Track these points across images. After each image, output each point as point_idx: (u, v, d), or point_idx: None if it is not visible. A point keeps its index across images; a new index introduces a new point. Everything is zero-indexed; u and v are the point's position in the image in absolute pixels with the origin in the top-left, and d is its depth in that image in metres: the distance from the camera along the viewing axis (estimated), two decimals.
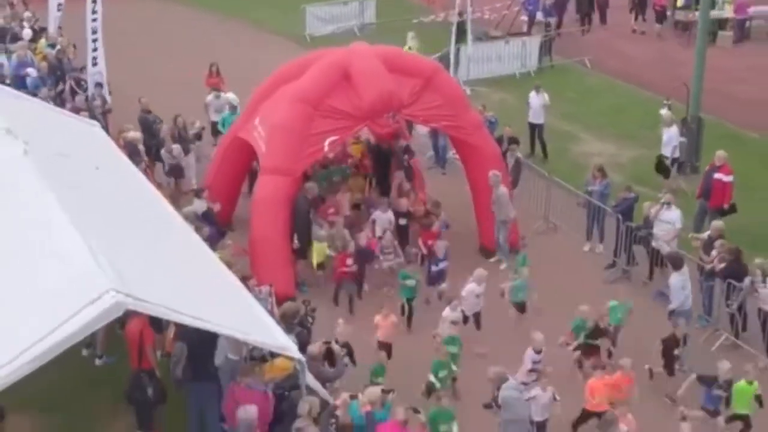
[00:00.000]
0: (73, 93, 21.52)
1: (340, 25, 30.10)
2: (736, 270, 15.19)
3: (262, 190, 16.45)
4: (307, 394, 11.41)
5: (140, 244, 12.26)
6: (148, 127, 19.87)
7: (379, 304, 15.11)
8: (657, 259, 16.80)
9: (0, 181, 12.87)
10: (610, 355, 14.31)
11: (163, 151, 19.42)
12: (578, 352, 14.23)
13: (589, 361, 13.84)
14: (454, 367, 13.64)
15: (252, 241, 16.23)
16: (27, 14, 26.24)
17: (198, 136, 20.55)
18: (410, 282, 15.64)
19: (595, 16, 30.74)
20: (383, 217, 17.23)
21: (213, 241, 15.13)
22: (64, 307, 9.91)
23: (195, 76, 23.43)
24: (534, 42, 27.62)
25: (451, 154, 20.43)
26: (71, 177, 13.21)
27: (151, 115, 20.11)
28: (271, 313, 13.10)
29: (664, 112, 20.99)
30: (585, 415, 12.93)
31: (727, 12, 29.65)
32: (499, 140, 19.30)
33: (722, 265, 15.31)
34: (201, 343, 12.07)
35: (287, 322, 12.81)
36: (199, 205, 16.64)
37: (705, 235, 16.33)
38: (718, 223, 16.34)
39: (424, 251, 16.80)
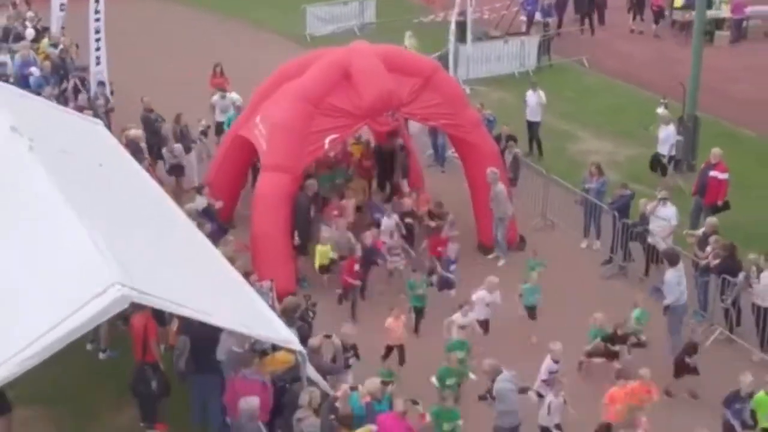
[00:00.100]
0: (76, 92, 21.68)
1: (340, 25, 30.24)
2: (730, 266, 15.37)
3: (263, 188, 16.63)
4: (308, 386, 11.65)
5: (144, 239, 12.48)
6: (150, 125, 20.03)
7: (385, 306, 15.19)
8: (653, 256, 16.99)
9: (6, 178, 13.12)
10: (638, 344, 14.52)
11: (164, 150, 19.58)
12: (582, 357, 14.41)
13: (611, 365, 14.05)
14: (471, 375, 13.67)
15: (253, 238, 16.42)
16: (30, 14, 26.37)
17: (204, 133, 20.71)
18: (420, 291, 15.60)
19: (594, 16, 30.87)
20: (388, 223, 17.14)
21: (215, 238, 15.30)
22: (70, 300, 10.14)
23: (196, 75, 23.62)
24: (533, 42, 27.79)
25: (450, 152, 20.61)
26: (76, 173, 13.45)
27: (153, 113, 20.27)
28: (272, 307, 13.32)
29: (660, 110, 21.17)
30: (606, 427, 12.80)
31: (724, 12, 29.81)
32: (497, 138, 19.48)
33: (717, 261, 15.50)
34: (203, 336, 12.30)
35: (288, 317, 13.02)
36: (200, 202, 16.85)
37: (700, 231, 16.55)
38: (712, 220, 16.54)
39: (434, 258, 16.66)
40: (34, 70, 22.18)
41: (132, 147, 18.10)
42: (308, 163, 17.23)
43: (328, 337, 12.90)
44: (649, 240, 16.95)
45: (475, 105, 20.06)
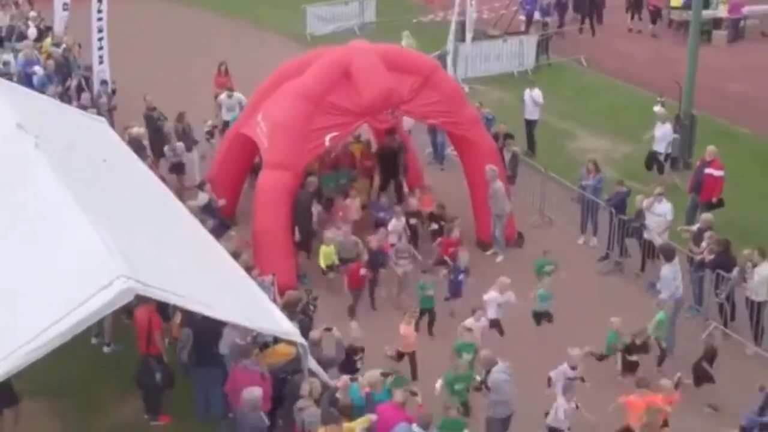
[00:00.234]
0: (80, 91, 21.88)
1: (340, 25, 30.40)
2: (724, 261, 15.56)
3: (264, 185, 16.82)
4: (309, 377, 11.88)
5: (148, 234, 12.69)
6: (153, 123, 20.21)
7: (390, 308, 15.31)
8: (649, 251, 17.20)
9: (13, 174, 13.32)
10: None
11: (166, 149, 19.76)
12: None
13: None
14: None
15: (255, 234, 16.62)
16: (32, 14, 26.61)
17: (210, 134, 20.86)
18: (430, 292, 15.55)
19: (594, 17, 31.03)
20: (397, 225, 17.13)
21: (217, 233, 15.48)
22: (77, 293, 10.35)
23: (197, 75, 23.83)
24: (531, 41, 27.94)
25: (450, 150, 20.81)
26: (81, 170, 13.65)
27: (156, 112, 20.45)
28: (274, 301, 13.56)
29: (657, 109, 21.32)
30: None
31: (722, 12, 29.97)
32: (495, 137, 19.63)
33: (711, 257, 15.68)
34: (206, 329, 12.54)
35: (290, 310, 13.24)
36: (202, 198, 17.06)
37: (695, 227, 16.75)
38: (707, 216, 16.75)
39: (446, 259, 16.63)
40: (37, 69, 22.39)
41: (135, 145, 18.28)
42: (309, 161, 17.41)
43: (328, 330, 13.11)
44: (645, 236, 17.14)
45: (473, 104, 20.25)
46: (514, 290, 15.28)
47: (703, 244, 15.97)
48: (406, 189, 19.35)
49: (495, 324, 14.90)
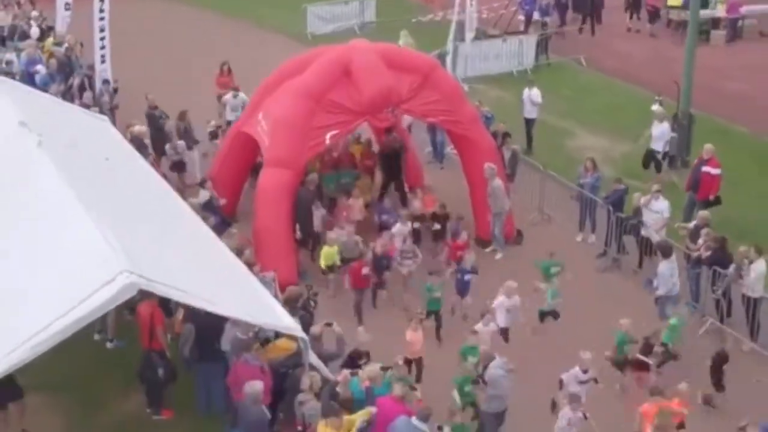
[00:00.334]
0: (82, 90, 22.02)
1: (340, 24, 30.55)
2: (721, 258, 15.68)
3: (265, 182, 16.92)
4: (309, 371, 12.02)
5: (151, 231, 12.82)
6: (154, 122, 20.35)
7: (395, 310, 15.38)
8: (646, 248, 17.33)
9: (16, 172, 13.45)
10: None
11: (167, 147, 19.89)
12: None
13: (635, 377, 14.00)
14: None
15: (256, 231, 16.73)
16: (34, 13, 26.75)
17: (214, 134, 20.97)
18: (437, 294, 15.49)
19: (594, 17, 31.15)
20: (402, 229, 17.08)
21: (219, 231, 15.56)
22: (81, 288, 10.50)
23: (198, 74, 23.96)
24: (531, 40, 28.07)
25: (449, 149, 20.94)
26: (84, 168, 13.78)
27: (158, 110, 20.56)
28: (275, 297, 13.68)
29: (655, 107, 21.46)
30: None
31: (720, 11, 30.11)
32: (494, 135, 19.75)
33: (708, 253, 15.80)
34: (208, 325, 12.67)
35: (291, 306, 13.35)
36: (203, 195, 17.18)
37: (691, 224, 16.87)
38: (704, 213, 16.86)
39: (453, 261, 16.62)
40: (40, 68, 22.54)
41: (136, 143, 18.45)
42: (309, 159, 17.53)
43: (328, 325, 13.23)
44: (643, 233, 17.27)
45: (473, 102, 20.35)
46: None
47: (700, 241, 16.10)
48: (406, 189, 19.46)
49: (503, 332, 14.91)
